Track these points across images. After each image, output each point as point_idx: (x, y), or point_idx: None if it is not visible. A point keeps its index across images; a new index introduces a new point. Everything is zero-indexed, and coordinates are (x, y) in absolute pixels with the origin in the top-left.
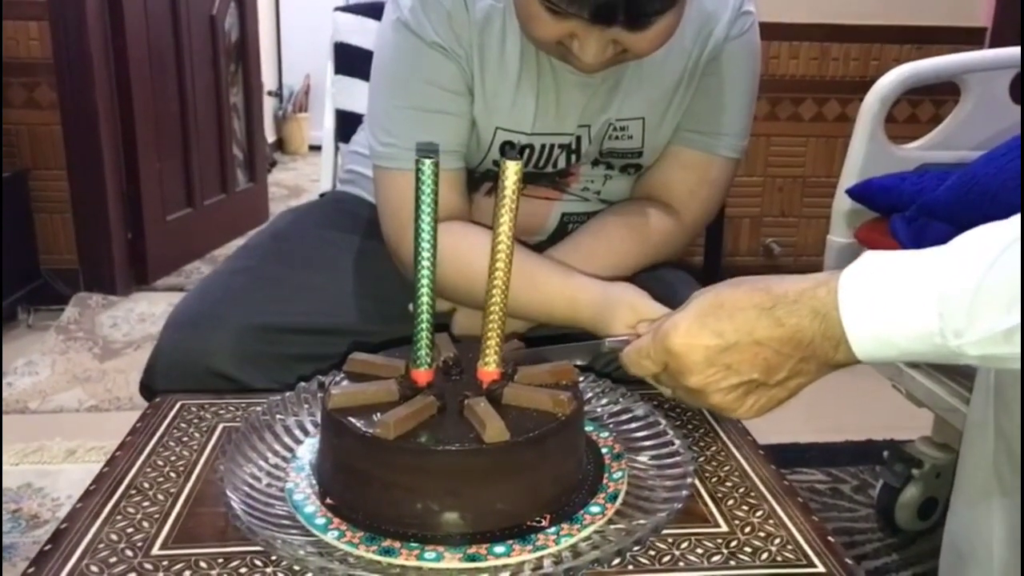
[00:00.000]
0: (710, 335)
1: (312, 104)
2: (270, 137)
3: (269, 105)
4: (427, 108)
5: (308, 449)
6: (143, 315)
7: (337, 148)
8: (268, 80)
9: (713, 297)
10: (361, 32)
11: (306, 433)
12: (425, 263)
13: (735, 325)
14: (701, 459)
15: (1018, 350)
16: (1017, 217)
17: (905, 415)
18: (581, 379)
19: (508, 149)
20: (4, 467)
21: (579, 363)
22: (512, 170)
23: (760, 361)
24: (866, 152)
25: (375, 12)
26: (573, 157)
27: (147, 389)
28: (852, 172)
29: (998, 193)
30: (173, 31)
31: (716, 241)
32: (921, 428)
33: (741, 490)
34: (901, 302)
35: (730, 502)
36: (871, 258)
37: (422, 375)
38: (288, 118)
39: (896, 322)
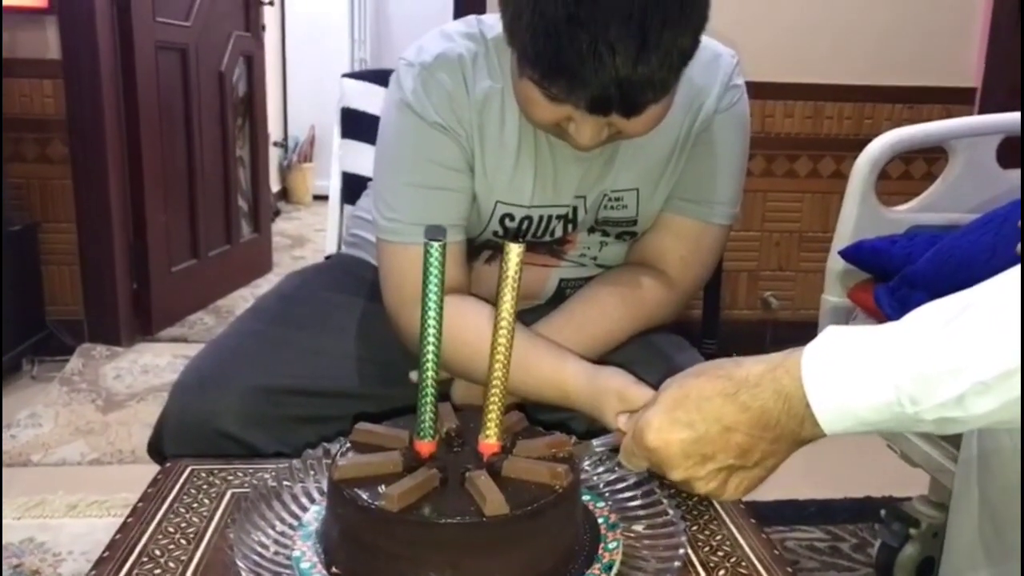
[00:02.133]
0: (681, 428)
1: (317, 154)
2: (274, 187)
3: (274, 155)
4: (429, 185)
5: (314, 517)
6: (146, 366)
7: (342, 210)
8: (273, 131)
9: (678, 390)
10: (367, 97)
11: (312, 501)
12: (431, 339)
13: (703, 415)
14: (694, 527)
15: (969, 413)
16: (964, 292)
17: (904, 471)
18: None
19: (509, 223)
20: (5, 521)
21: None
22: (515, 252)
23: (733, 446)
24: (858, 214)
25: (380, 79)
26: (570, 226)
27: (155, 451)
28: (844, 234)
29: (972, 265)
30: (183, 87)
31: (714, 295)
32: (919, 485)
33: (732, 560)
34: (860, 376)
35: (721, 572)
36: (830, 335)
37: (425, 447)
38: (293, 168)
39: (856, 395)
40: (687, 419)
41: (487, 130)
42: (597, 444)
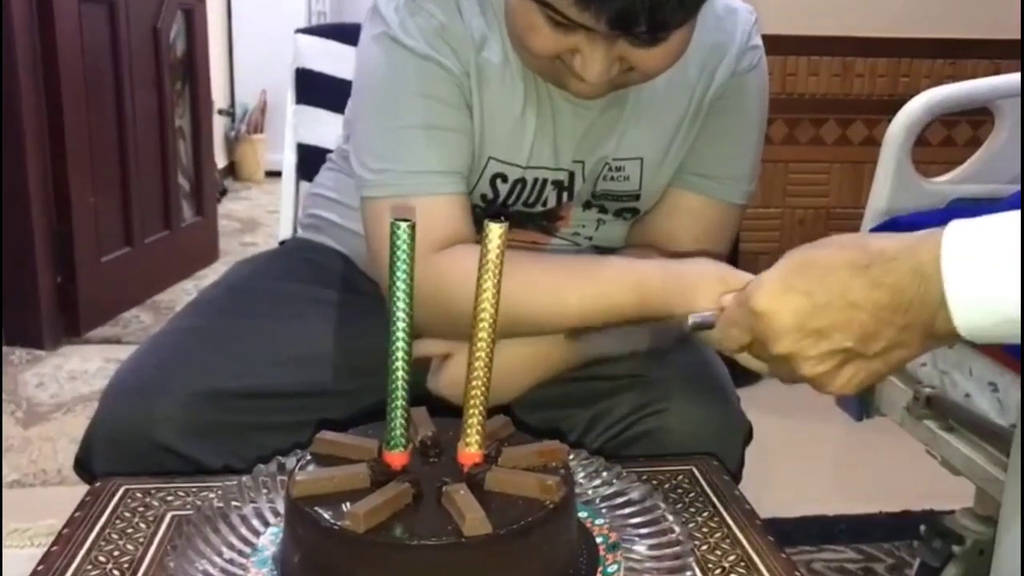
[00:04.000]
0: (798, 296)
1: (269, 123)
2: (220, 162)
3: (219, 125)
4: (425, 125)
5: (270, 540)
6: (74, 373)
7: (298, 187)
8: (218, 97)
9: (801, 255)
10: (325, 57)
11: (266, 523)
12: (400, 333)
13: (826, 285)
14: (704, 547)
15: None
16: None
17: (946, 481)
18: (572, 458)
19: (500, 184)
20: None
21: (661, 346)
22: (496, 233)
23: (855, 326)
24: (891, 186)
25: (341, 35)
26: (565, 195)
27: (84, 468)
28: (877, 209)
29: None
30: (111, 46)
31: None
32: (964, 497)
33: None
34: (1008, 259)
35: None
36: (975, 220)
37: (396, 458)
38: (241, 139)
39: (1003, 283)
40: (806, 287)
41: (487, 72)
42: (693, 319)
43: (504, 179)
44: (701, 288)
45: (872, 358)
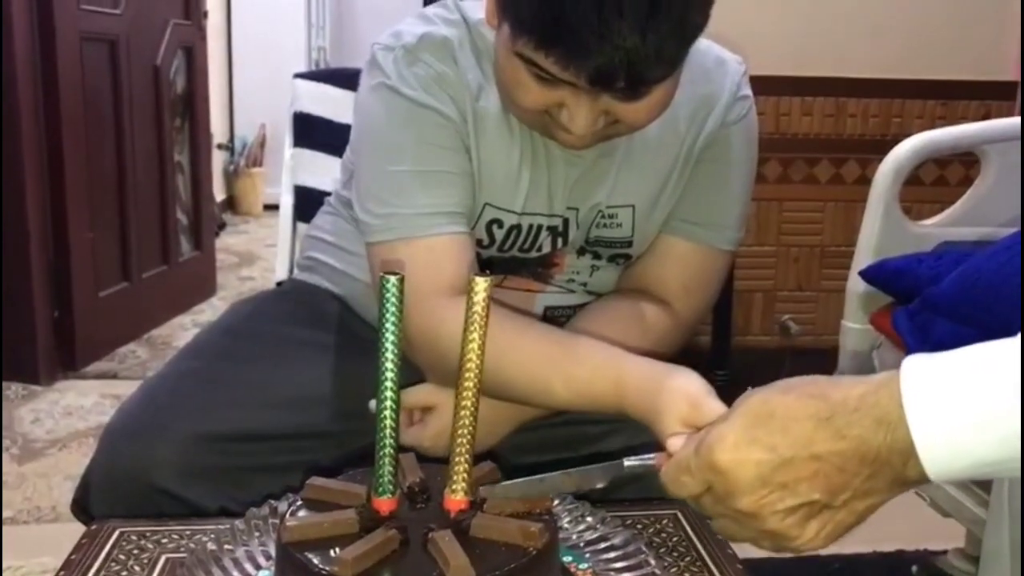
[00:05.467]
0: (762, 450)
1: (268, 158)
2: (219, 195)
3: (218, 160)
4: (427, 170)
5: None
6: (70, 408)
7: (295, 228)
8: (217, 131)
9: (762, 405)
10: (323, 101)
11: (257, 567)
12: (388, 383)
13: (790, 439)
14: None
15: None
16: None
17: (940, 521)
18: (557, 503)
19: (496, 231)
20: None
21: (596, 487)
22: (481, 287)
23: (821, 479)
24: (880, 229)
25: (339, 80)
26: (559, 241)
27: (81, 509)
28: (866, 251)
29: (1001, 288)
30: (112, 83)
31: (725, 319)
32: (957, 537)
33: None
34: (978, 401)
35: None
36: (932, 356)
37: (384, 504)
38: (240, 173)
39: (974, 426)
40: (769, 441)
41: (484, 121)
42: (629, 463)
43: (500, 224)
44: (670, 407)
45: (839, 508)
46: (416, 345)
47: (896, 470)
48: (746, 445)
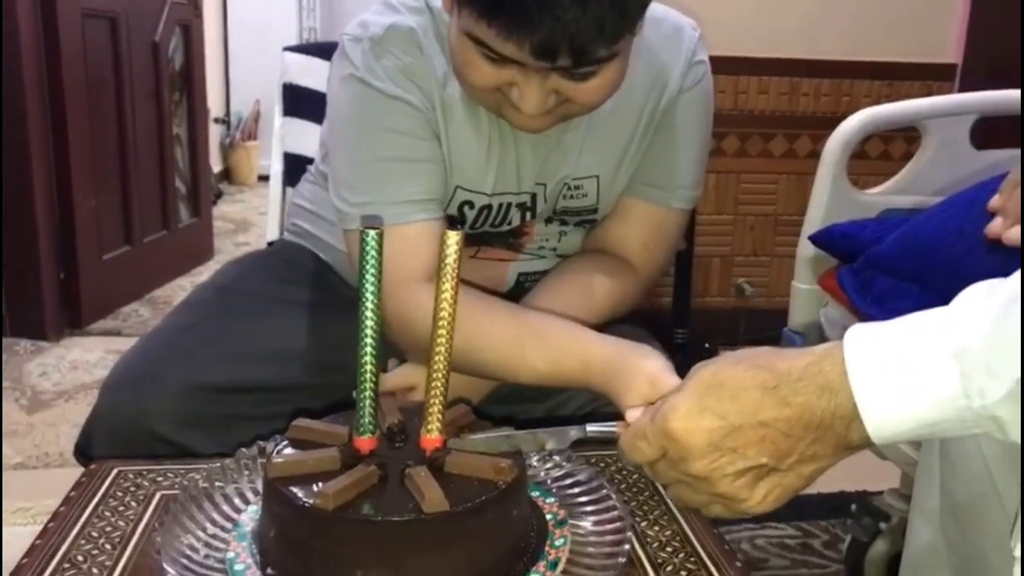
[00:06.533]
0: (712, 417)
1: (262, 131)
2: (216, 167)
3: (215, 133)
4: (399, 158)
5: (250, 517)
6: (75, 362)
7: (285, 192)
8: (214, 106)
9: (712, 376)
10: (310, 73)
11: (247, 502)
12: (369, 330)
13: (738, 407)
14: (644, 523)
15: None
16: (1016, 274)
17: (879, 465)
18: None
19: (468, 211)
20: None
21: (560, 448)
22: (452, 239)
23: (768, 444)
24: (829, 197)
25: (326, 53)
26: (528, 215)
27: (83, 454)
28: (815, 218)
29: (937, 248)
30: (113, 58)
31: (685, 282)
32: (892, 478)
33: (681, 555)
34: (916, 365)
35: (669, 568)
36: (873, 325)
37: (365, 443)
38: (236, 146)
39: (913, 388)
40: (719, 408)
41: (452, 107)
42: (591, 429)
43: (471, 206)
44: (631, 386)
45: (786, 471)
46: (394, 329)
47: (839, 434)
48: (697, 413)
